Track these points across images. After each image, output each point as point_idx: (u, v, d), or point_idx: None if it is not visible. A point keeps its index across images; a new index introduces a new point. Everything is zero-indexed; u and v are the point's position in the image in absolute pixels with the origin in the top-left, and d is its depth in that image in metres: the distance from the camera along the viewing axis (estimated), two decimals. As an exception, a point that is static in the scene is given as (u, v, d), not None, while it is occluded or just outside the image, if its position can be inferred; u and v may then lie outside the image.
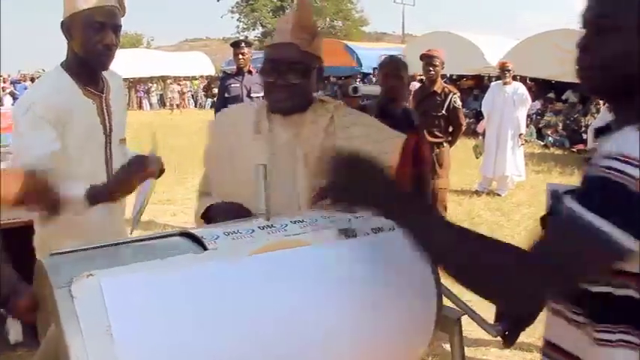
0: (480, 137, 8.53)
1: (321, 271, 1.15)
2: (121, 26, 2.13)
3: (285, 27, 1.73)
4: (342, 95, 3.52)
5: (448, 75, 17.79)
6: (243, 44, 5.79)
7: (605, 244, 0.96)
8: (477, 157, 8.23)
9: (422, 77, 6.47)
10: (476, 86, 16.31)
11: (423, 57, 5.25)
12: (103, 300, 0.95)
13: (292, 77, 1.71)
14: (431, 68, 5.15)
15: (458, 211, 6.86)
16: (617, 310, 1.06)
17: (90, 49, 2.07)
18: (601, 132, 1.17)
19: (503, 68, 8.01)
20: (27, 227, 2.24)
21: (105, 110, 2.20)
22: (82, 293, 0.95)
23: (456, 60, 15.50)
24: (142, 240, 1.17)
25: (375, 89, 4.14)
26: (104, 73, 2.25)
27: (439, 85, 5.23)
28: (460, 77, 17.26)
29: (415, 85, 7.71)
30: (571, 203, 0.99)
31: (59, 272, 0.99)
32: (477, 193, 7.93)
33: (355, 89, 3.34)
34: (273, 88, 1.74)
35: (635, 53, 1.06)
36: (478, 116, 13.28)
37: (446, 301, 1.40)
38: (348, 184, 1.14)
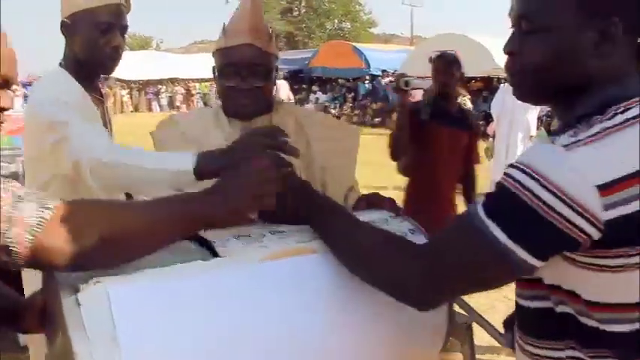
0: (491, 139, 8.46)
1: (330, 279, 1.13)
2: (127, 26, 1.96)
3: (241, 28, 1.64)
4: (394, 89, 3.37)
5: (457, 77, 17.73)
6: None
7: (493, 252, 0.94)
8: (490, 160, 8.17)
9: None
10: (485, 88, 16.28)
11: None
12: (109, 308, 0.93)
13: (255, 80, 1.64)
14: None
15: (467, 214, 6.81)
16: (560, 326, 1.02)
17: (96, 52, 1.90)
18: None
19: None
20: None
21: (107, 117, 2.05)
22: (89, 301, 0.93)
23: (464, 62, 15.45)
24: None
25: (425, 83, 4.04)
26: None
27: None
28: (469, 79, 17.19)
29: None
30: (477, 206, 0.98)
31: (67, 279, 0.98)
32: (487, 195, 7.85)
33: (407, 82, 3.20)
34: (234, 92, 1.65)
35: (568, 52, 1.00)
36: (487, 118, 13.21)
37: (457, 309, 1.38)
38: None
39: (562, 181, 0.90)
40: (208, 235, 1.14)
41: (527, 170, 0.93)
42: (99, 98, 2.02)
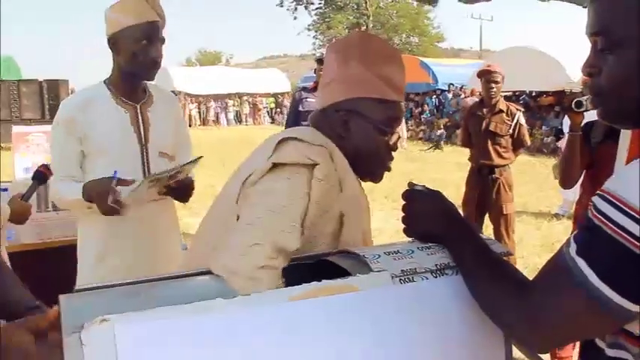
0: (561, 157, 8.11)
1: (366, 324, 1.00)
2: (164, 38, 2.23)
3: (402, 83, 1.42)
4: (564, 110, 3.10)
5: (527, 91, 17.21)
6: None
7: (585, 296, 0.82)
8: (556, 178, 7.82)
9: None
10: (557, 103, 15.68)
11: (482, 73, 4.89)
12: (115, 351, 0.84)
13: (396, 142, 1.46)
14: (493, 85, 4.79)
15: (536, 236, 6.51)
16: None
17: (138, 64, 2.18)
18: None
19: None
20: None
21: (140, 119, 2.27)
22: (93, 341, 0.84)
23: (535, 76, 14.96)
24: (171, 278, 1.06)
25: None
26: (151, 87, 2.38)
27: (503, 103, 4.87)
28: (540, 94, 16.68)
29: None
30: (572, 249, 0.85)
31: (73, 313, 0.89)
32: (557, 216, 7.49)
33: (579, 104, 2.82)
34: (389, 153, 1.43)
35: None
36: (558, 134, 12.73)
37: (517, 354, 1.23)
38: (417, 218, 1.18)
39: None
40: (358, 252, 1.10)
41: (611, 199, 0.81)
42: (131, 103, 2.28)
